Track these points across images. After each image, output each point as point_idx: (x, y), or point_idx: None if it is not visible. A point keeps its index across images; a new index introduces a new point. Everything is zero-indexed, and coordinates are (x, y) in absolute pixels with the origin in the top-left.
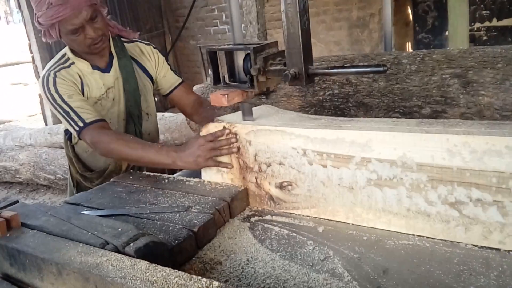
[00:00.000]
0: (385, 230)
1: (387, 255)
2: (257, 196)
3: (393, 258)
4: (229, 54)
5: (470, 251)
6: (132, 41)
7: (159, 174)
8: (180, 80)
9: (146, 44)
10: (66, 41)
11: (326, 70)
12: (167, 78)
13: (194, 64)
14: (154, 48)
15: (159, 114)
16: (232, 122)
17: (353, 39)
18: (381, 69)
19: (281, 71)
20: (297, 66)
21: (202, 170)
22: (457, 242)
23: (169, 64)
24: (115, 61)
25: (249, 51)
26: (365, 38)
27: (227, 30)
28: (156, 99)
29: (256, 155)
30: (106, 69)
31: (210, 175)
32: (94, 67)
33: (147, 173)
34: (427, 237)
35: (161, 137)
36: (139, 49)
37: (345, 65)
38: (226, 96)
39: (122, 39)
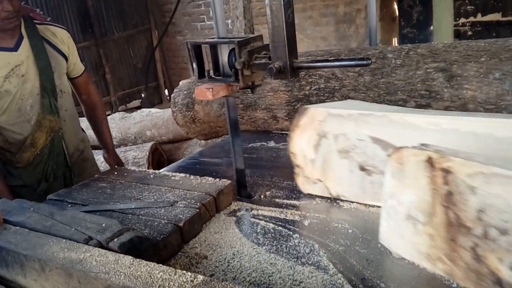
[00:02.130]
0: None
1: (372, 247)
2: (471, 270)
3: (377, 250)
4: (214, 48)
5: None
6: (43, 23)
7: (144, 170)
8: (83, 69)
9: (59, 27)
10: None
11: (311, 64)
12: (76, 66)
13: (181, 60)
14: (68, 32)
15: (145, 110)
16: (444, 153)
17: (340, 34)
18: (365, 62)
19: (266, 65)
20: (282, 60)
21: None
22: None
23: (76, 49)
24: (25, 41)
25: (233, 45)
26: (352, 34)
27: (214, 26)
28: (143, 95)
29: (482, 211)
30: (14, 48)
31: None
32: (1, 48)
33: (132, 168)
34: None
35: (148, 133)
36: (51, 32)
37: (329, 59)
38: (210, 90)
39: (34, 21)
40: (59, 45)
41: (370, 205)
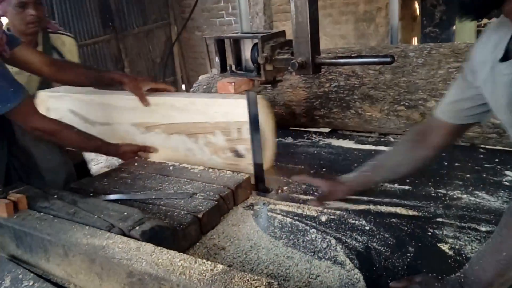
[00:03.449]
0: None
1: (389, 245)
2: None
3: (394, 247)
4: (236, 42)
5: None
6: (56, 33)
7: (164, 161)
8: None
9: (68, 36)
10: (10, 15)
11: (333, 60)
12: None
13: (199, 55)
14: (75, 40)
15: None
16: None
17: (359, 33)
18: (388, 59)
19: (288, 60)
20: (305, 55)
21: None
22: None
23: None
24: (39, 49)
25: (257, 40)
26: (372, 32)
27: (233, 22)
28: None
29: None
30: None
31: None
32: None
33: (152, 160)
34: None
35: None
36: (61, 41)
37: (352, 55)
38: (233, 84)
39: (48, 30)
40: (66, 54)
41: (385, 204)
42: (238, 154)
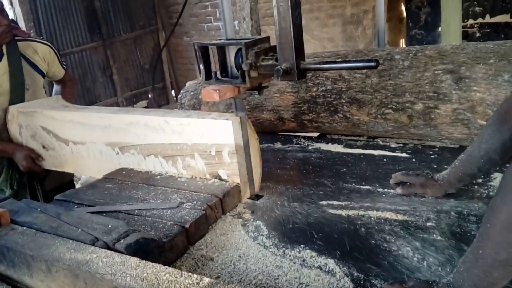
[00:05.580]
0: None
1: (378, 253)
2: None
3: (385, 255)
4: (221, 49)
5: None
6: (26, 40)
7: (150, 170)
8: (63, 72)
9: (41, 43)
10: None
11: (318, 65)
12: (56, 73)
13: (187, 61)
14: (51, 47)
15: None
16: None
17: (347, 35)
18: (373, 64)
19: (273, 66)
20: (289, 61)
21: None
22: None
23: (58, 58)
24: (4, 58)
25: (240, 46)
26: (359, 35)
27: (220, 27)
28: (150, 95)
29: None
30: None
31: None
32: None
33: (139, 169)
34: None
35: None
36: (32, 49)
37: (337, 60)
38: (217, 91)
39: (16, 37)
40: (39, 63)
41: (375, 209)
42: (220, 180)
